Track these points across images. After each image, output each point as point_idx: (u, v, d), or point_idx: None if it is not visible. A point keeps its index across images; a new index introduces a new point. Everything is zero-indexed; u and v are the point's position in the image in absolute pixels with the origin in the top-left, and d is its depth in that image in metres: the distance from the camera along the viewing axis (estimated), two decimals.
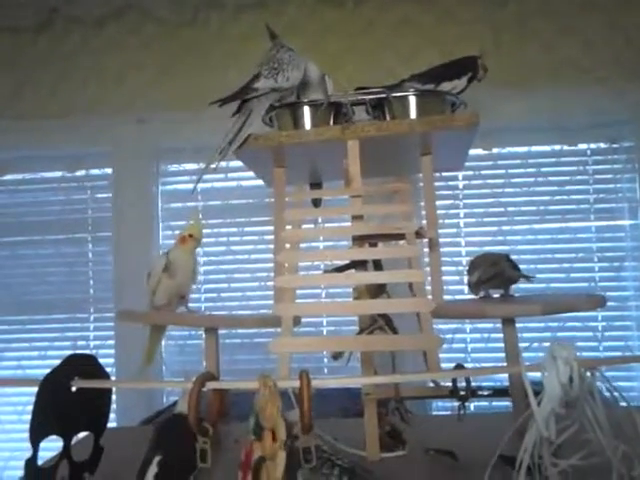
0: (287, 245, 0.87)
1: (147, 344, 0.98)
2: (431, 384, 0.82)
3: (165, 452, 0.68)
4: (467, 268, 0.92)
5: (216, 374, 0.88)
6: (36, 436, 0.56)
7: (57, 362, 0.60)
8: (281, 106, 0.99)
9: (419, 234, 0.82)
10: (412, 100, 0.95)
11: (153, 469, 0.67)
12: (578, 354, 0.55)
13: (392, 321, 0.82)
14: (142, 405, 1.51)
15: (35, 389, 0.57)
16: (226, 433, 0.88)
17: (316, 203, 0.97)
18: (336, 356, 0.82)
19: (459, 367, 0.89)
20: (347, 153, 0.88)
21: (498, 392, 0.90)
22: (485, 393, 0.87)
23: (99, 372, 0.63)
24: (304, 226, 0.96)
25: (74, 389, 0.59)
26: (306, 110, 0.97)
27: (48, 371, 0.58)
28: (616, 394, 0.58)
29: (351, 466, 0.62)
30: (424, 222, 0.93)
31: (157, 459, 0.68)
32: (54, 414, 0.57)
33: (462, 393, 0.83)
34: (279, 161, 0.99)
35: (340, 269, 0.85)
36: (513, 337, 0.92)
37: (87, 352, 1.67)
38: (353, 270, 0.81)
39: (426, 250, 0.93)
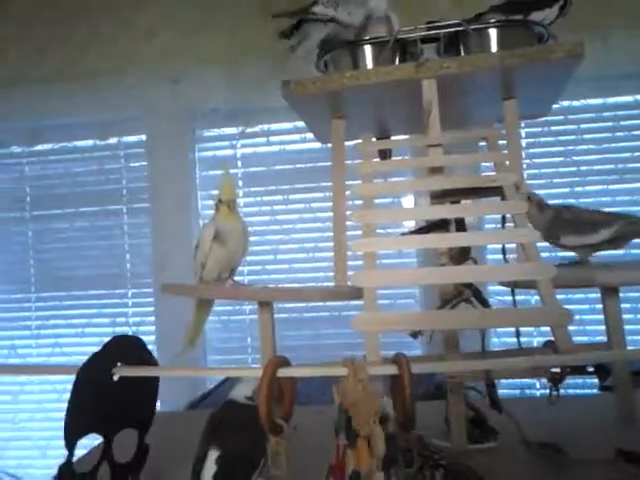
0: (346, 214, 0.75)
1: (192, 322, 0.87)
2: None
3: (223, 446, 0.57)
4: (577, 227, 0.77)
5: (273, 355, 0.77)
6: (72, 436, 0.45)
7: (95, 340, 0.49)
8: (337, 46, 0.86)
9: (517, 187, 0.68)
10: (494, 34, 0.81)
11: (211, 467, 0.57)
12: None
13: (481, 292, 0.70)
14: (184, 386, 1.42)
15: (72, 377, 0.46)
16: None
17: (385, 157, 0.84)
18: (415, 334, 0.70)
19: (549, 344, 0.76)
20: (422, 95, 0.74)
21: (601, 370, 0.77)
22: (590, 370, 0.74)
23: (144, 357, 0.52)
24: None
25: (116, 378, 0.48)
26: (368, 50, 0.84)
27: (87, 357, 0.47)
28: None
29: (457, 467, 0.50)
30: None
31: (214, 455, 0.57)
32: (94, 408, 0.46)
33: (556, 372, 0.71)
34: (338, 110, 0.86)
35: (418, 232, 0.72)
36: (616, 308, 0.79)
37: (126, 329, 1.58)
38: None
39: None
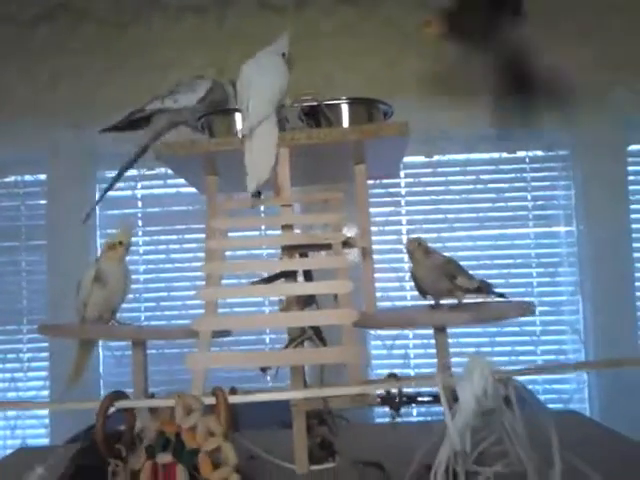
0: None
1: (75, 360, 0.94)
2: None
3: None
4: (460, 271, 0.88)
5: (143, 389, 0.86)
6: None
7: None
8: (212, 113, 0.98)
9: (348, 244, 0.81)
10: (345, 108, 0.95)
11: None
12: (515, 358, 0.57)
13: (321, 331, 0.82)
14: (76, 418, 1.44)
15: None
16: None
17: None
18: (264, 369, 0.81)
19: (392, 376, 0.89)
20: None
21: (437, 398, 0.91)
22: (425, 399, 0.87)
23: None
24: (236, 235, 0.95)
25: None
26: (237, 117, 0.96)
27: None
28: (533, 401, 0.58)
29: None
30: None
31: None
32: None
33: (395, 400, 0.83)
34: (210, 169, 0.97)
35: (269, 279, 0.84)
36: (444, 345, 0.92)
37: (18, 365, 1.60)
38: (282, 280, 0.81)
39: None
